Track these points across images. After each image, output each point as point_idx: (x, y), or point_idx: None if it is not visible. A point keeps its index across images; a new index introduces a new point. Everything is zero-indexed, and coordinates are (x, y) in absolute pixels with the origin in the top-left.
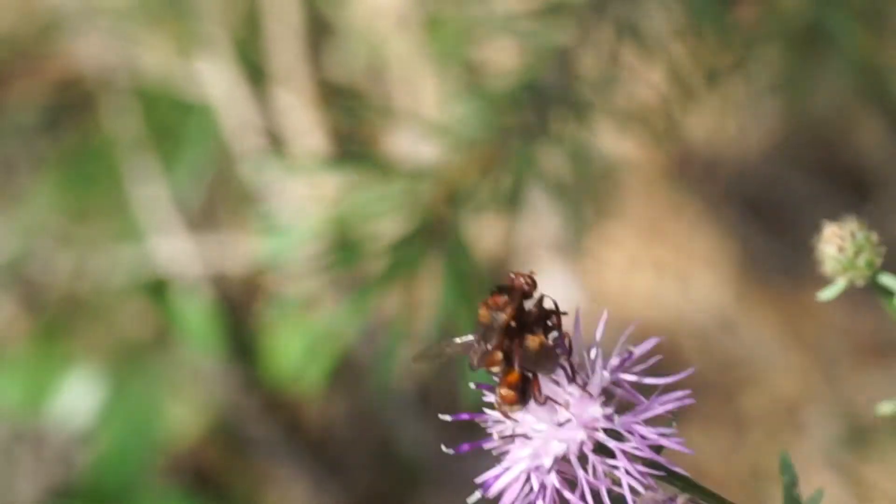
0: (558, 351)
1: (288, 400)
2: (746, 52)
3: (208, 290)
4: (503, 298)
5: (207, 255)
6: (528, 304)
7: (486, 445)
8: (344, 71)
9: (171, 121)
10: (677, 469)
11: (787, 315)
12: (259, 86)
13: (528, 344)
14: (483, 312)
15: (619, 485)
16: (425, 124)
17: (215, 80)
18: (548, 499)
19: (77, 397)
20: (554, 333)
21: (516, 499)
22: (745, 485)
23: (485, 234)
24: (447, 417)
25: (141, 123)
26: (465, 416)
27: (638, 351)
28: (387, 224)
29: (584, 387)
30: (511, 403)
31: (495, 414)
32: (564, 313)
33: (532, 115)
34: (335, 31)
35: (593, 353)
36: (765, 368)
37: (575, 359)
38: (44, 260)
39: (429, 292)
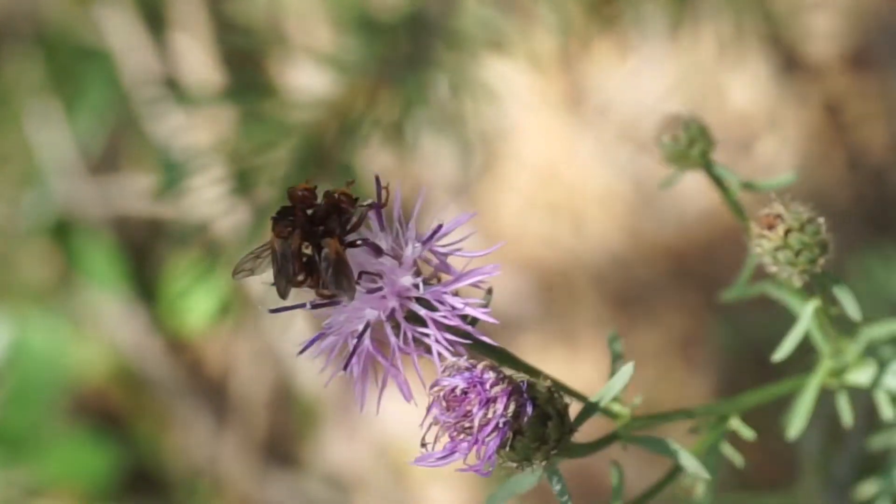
0: (358, 244)
1: (190, 340)
2: None
3: (110, 233)
4: (286, 222)
5: (109, 198)
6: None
7: (307, 309)
8: (242, 10)
9: (73, 67)
10: (484, 338)
11: (680, 253)
12: (158, 30)
13: (326, 254)
14: (275, 243)
15: (431, 352)
16: (317, 57)
17: (115, 27)
18: (362, 363)
19: None
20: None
21: (333, 361)
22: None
23: (380, 170)
24: (267, 310)
25: (42, 69)
26: (284, 311)
27: (449, 225)
28: (280, 153)
29: (395, 256)
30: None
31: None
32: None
33: (416, 46)
34: None
35: (409, 227)
36: (658, 307)
37: (387, 232)
38: None
39: None
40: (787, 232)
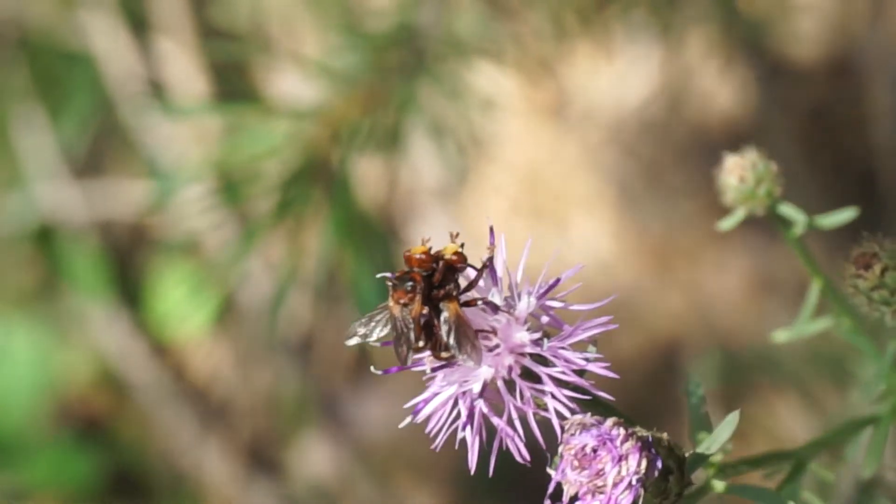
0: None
1: (174, 345)
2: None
3: (94, 237)
4: (407, 287)
5: (93, 202)
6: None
7: (415, 368)
8: (226, 16)
9: (57, 71)
10: (601, 394)
11: (664, 258)
12: (142, 35)
13: (446, 318)
14: (394, 309)
15: (546, 410)
16: (306, 65)
17: (99, 31)
18: (475, 424)
19: None
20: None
21: (444, 424)
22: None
23: (368, 176)
24: (378, 372)
25: (26, 74)
26: (394, 370)
27: (565, 276)
28: (271, 165)
29: (510, 313)
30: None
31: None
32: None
33: (409, 55)
34: None
35: (519, 279)
36: (642, 310)
37: (500, 288)
38: None
39: (314, 234)
40: (884, 271)
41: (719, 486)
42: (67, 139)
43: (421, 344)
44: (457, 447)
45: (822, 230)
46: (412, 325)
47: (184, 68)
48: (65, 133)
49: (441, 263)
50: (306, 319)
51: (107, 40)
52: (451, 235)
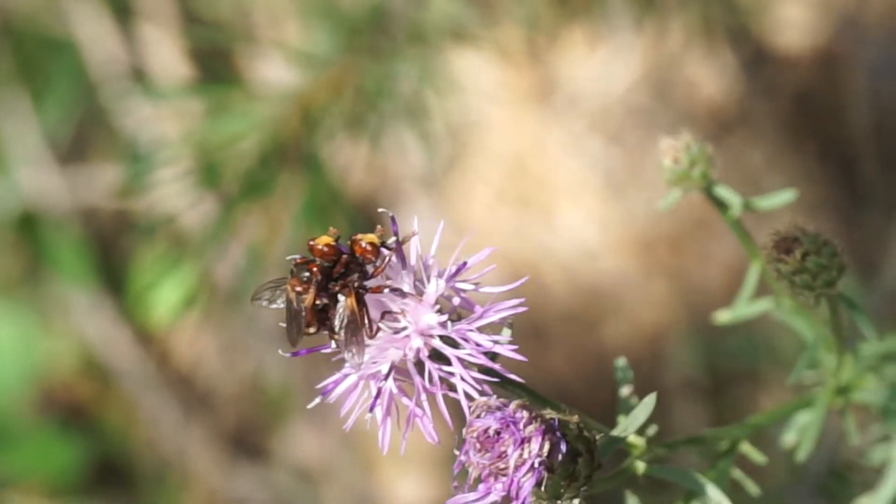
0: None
1: (158, 332)
2: None
3: (78, 224)
4: (303, 277)
5: (77, 189)
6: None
7: (325, 351)
8: (209, 2)
9: (41, 57)
10: (511, 376)
11: (649, 246)
12: (126, 22)
13: (341, 312)
14: (290, 293)
15: (455, 391)
16: (287, 51)
17: (83, 17)
18: (385, 405)
19: None
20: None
21: (355, 405)
22: (608, 410)
23: (354, 166)
24: (286, 355)
25: (9, 60)
26: (303, 353)
27: (473, 260)
28: (248, 146)
29: (418, 296)
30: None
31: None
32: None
33: (383, 38)
34: None
35: (430, 263)
36: (627, 299)
37: (410, 270)
38: None
39: (287, 214)
40: (805, 255)
41: (640, 466)
42: (51, 125)
43: (312, 330)
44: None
45: (774, 209)
46: (304, 312)
47: (167, 55)
48: (48, 119)
49: (343, 257)
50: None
51: (91, 26)
52: (378, 229)
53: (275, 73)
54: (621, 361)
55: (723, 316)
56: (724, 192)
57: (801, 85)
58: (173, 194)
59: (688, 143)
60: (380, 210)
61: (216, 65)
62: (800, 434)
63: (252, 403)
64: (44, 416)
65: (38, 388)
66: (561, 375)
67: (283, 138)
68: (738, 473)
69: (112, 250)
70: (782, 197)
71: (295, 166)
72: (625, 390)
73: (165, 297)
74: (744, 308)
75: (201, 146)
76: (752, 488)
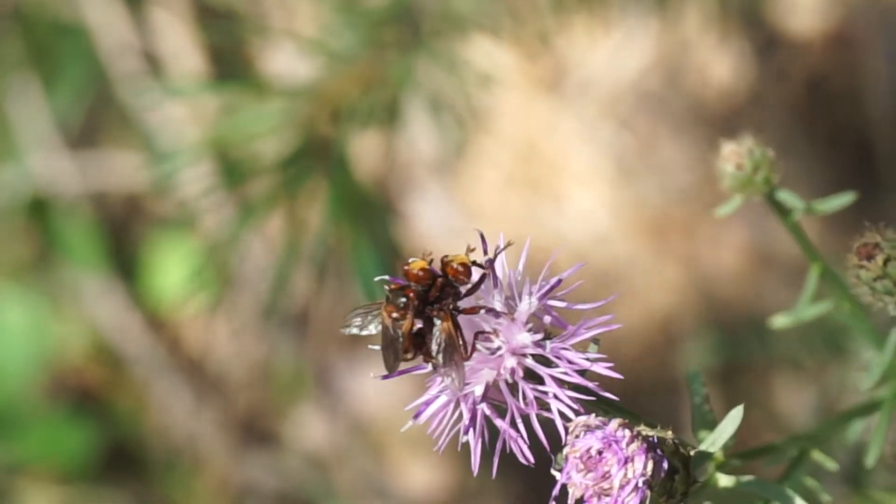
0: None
1: (170, 318)
2: None
3: (89, 209)
4: (400, 304)
5: (88, 174)
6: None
7: (418, 372)
8: None
9: (51, 42)
10: (606, 394)
11: (661, 231)
12: (137, 7)
13: (438, 335)
14: (386, 319)
15: (549, 410)
16: (303, 43)
17: (94, 2)
18: (478, 427)
19: None
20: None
21: (445, 427)
22: (623, 395)
23: (365, 151)
24: (379, 378)
25: (20, 45)
26: (396, 375)
27: (564, 276)
28: (269, 143)
29: (511, 315)
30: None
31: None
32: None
33: (407, 30)
34: None
35: (518, 279)
36: (638, 283)
37: (501, 289)
38: None
39: (313, 211)
40: (887, 261)
41: (724, 480)
42: (62, 111)
43: (409, 356)
44: (459, 449)
45: (824, 198)
46: (402, 338)
47: (179, 41)
48: (59, 104)
49: (438, 280)
50: (302, 292)
51: (101, 12)
52: (468, 248)
53: (290, 65)
54: (693, 369)
55: (780, 320)
56: (786, 196)
57: (814, 69)
58: (194, 192)
59: (750, 148)
60: (472, 229)
61: (229, 54)
62: (871, 437)
63: (263, 389)
64: (54, 401)
65: (49, 373)
66: None
67: (305, 134)
68: (810, 482)
69: (123, 235)
70: (841, 199)
71: (319, 161)
72: (697, 399)
73: (177, 282)
74: (804, 310)
75: (222, 143)
76: (826, 497)
